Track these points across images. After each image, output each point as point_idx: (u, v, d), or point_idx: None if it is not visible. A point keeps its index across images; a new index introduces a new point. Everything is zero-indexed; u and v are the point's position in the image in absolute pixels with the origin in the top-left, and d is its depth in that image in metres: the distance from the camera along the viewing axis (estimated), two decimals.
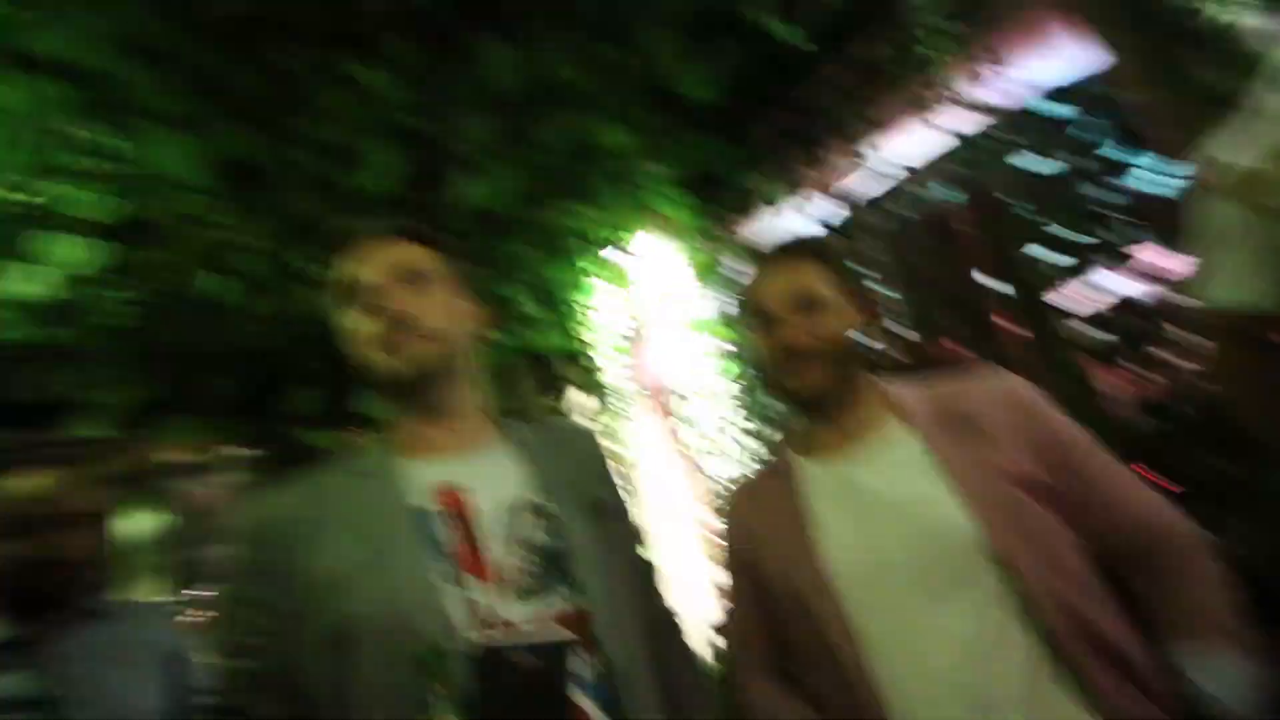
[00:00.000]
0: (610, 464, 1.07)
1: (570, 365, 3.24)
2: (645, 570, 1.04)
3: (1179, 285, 1.98)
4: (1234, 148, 0.98)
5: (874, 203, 2.41)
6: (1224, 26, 1.52)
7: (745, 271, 1.11)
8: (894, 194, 2.42)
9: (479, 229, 2.25)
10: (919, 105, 2.18)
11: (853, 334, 1.01)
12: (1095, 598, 0.89)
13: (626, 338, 3.11)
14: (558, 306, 2.91)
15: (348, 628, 0.76)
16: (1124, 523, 0.93)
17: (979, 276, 2.25)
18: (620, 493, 1.05)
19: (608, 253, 2.86)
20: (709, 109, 2.40)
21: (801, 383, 1.00)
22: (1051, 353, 1.90)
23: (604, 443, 1.09)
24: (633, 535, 1.04)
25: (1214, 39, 1.54)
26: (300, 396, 2.77)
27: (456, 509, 0.85)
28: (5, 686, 1.20)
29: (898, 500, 0.93)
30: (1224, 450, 1.47)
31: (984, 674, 0.84)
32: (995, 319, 2.13)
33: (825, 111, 2.34)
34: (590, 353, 3.09)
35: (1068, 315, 1.99)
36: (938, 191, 2.63)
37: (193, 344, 2.34)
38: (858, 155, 2.38)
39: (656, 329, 3.21)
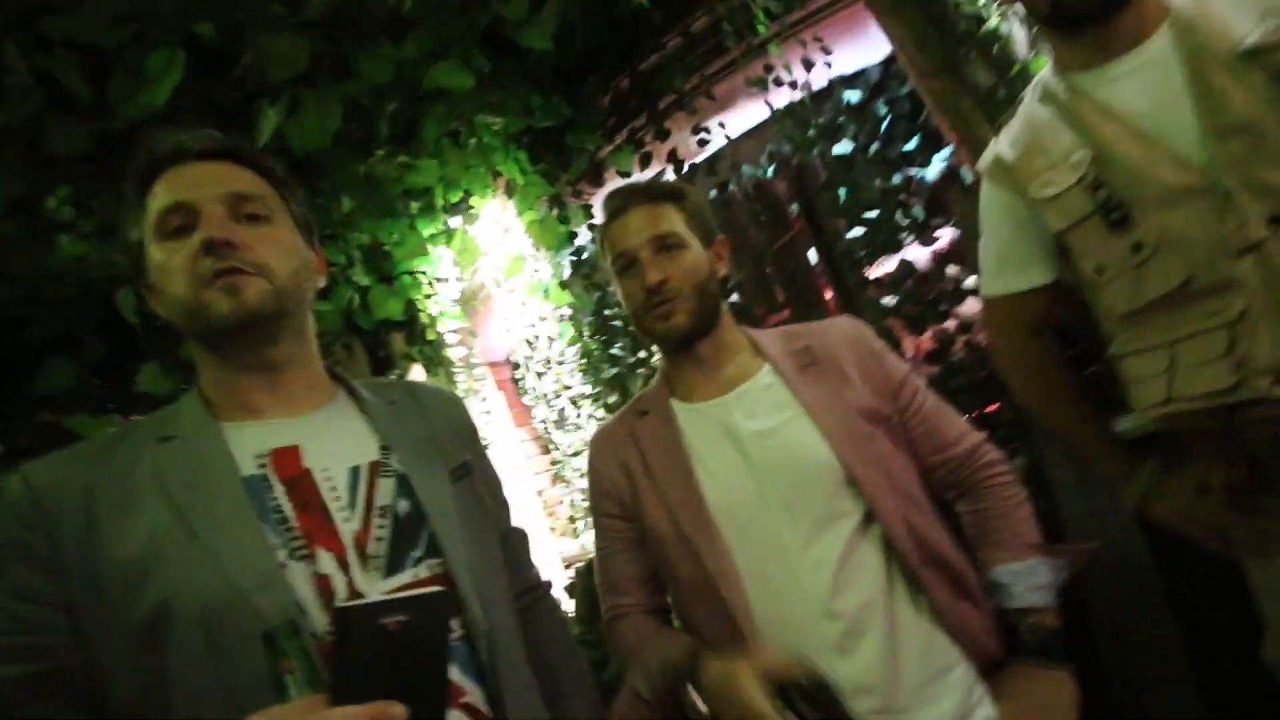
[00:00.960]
0: (474, 427, 0.99)
1: (409, 338, 3.03)
2: (516, 538, 0.99)
3: (960, 258, 2.29)
4: (1006, 141, 1.13)
5: (708, 173, 2.51)
6: (996, 32, 1.76)
7: (599, 222, 1.09)
8: (724, 165, 2.53)
9: (295, 177, 2.00)
10: (751, 83, 2.30)
11: (710, 276, 1.05)
12: (933, 520, 1.00)
13: (466, 307, 2.97)
14: (396, 274, 2.68)
15: (167, 615, 0.64)
16: (948, 451, 1.05)
17: (801, 249, 2.44)
18: (486, 458, 0.98)
19: (452, 220, 2.70)
20: (549, 67, 2.33)
21: (668, 323, 1.01)
22: (859, 316, 2.11)
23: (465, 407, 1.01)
24: (500, 502, 0.97)
25: (989, 42, 1.78)
26: (55, 372, 2.30)
27: (295, 474, 0.74)
28: None
29: (768, 436, 0.98)
30: (996, 393, 1.74)
31: (850, 596, 0.91)
32: (813, 286, 2.33)
33: (667, 82, 2.38)
34: (432, 325, 2.91)
35: (873, 283, 2.24)
36: (762, 165, 2.80)
37: None
38: (703, 130, 2.46)
39: (499, 299, 3.10)
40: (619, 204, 1.07)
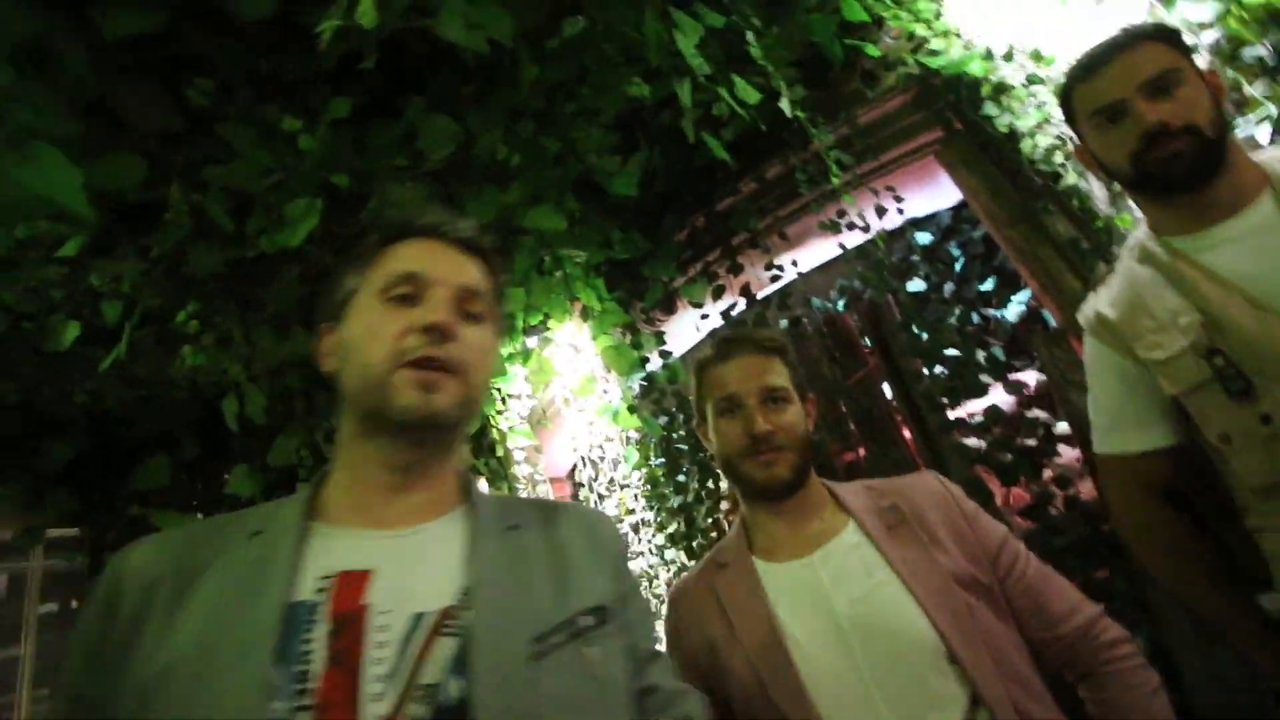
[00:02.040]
0: (623, 555, 0.81)
1: (475, 451, 3.09)
2: (663, 700, 0.71)
3: (1047, 402, 2.19)
4: (1105, 299, 1.12)
5: (780, 306, 2.56)
6: (1076, 187, 1.79)
7: (704, 357, 1.11)
8: (795, 299, 2.59)
9: None
10: (825, 226, 2.39)
11: (807, 432, 1.05)
12: (1050, 708, 0.89)
13: (535, 425, 3.02)
14: None
15: None
16: (1060, 627, 0.95)
17: (876, 384, 2.41)
18: (637, 598, 0.77)
19: (529, 339, 2.83)
20: (630, 206, 2.51)
21: (769, 472, 1.00)
22: (941, 460, 2.02)
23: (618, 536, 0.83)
24: (642, 657, 0.72)
25: (1068, 196, 1.80)
26: (154, 469, 2.44)
27: (349, 610, 0.61)
28: None
29: (859, 602, 0.92)
30: (1106, 557, 1.58)
31: None
32: (890, 424, 2.26)
33: (741, 222, 2.50)
34: (501, 441, 2.97)
35: (957, 425, 2.16)
36: (832, 298, 2.83)
37: (25, 401, 2.03)
38: (775, 268, 2.54)
39: (567, 416, 3.14)
40: (729, 348, 1.08)
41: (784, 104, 1.79)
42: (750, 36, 1.83)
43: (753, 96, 1.79)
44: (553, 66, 1.62)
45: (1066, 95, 1.12)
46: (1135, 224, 1.54)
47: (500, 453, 2.80)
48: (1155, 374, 1.03)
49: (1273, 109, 1.44)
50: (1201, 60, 1.46)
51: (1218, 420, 0.98)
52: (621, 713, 0.66)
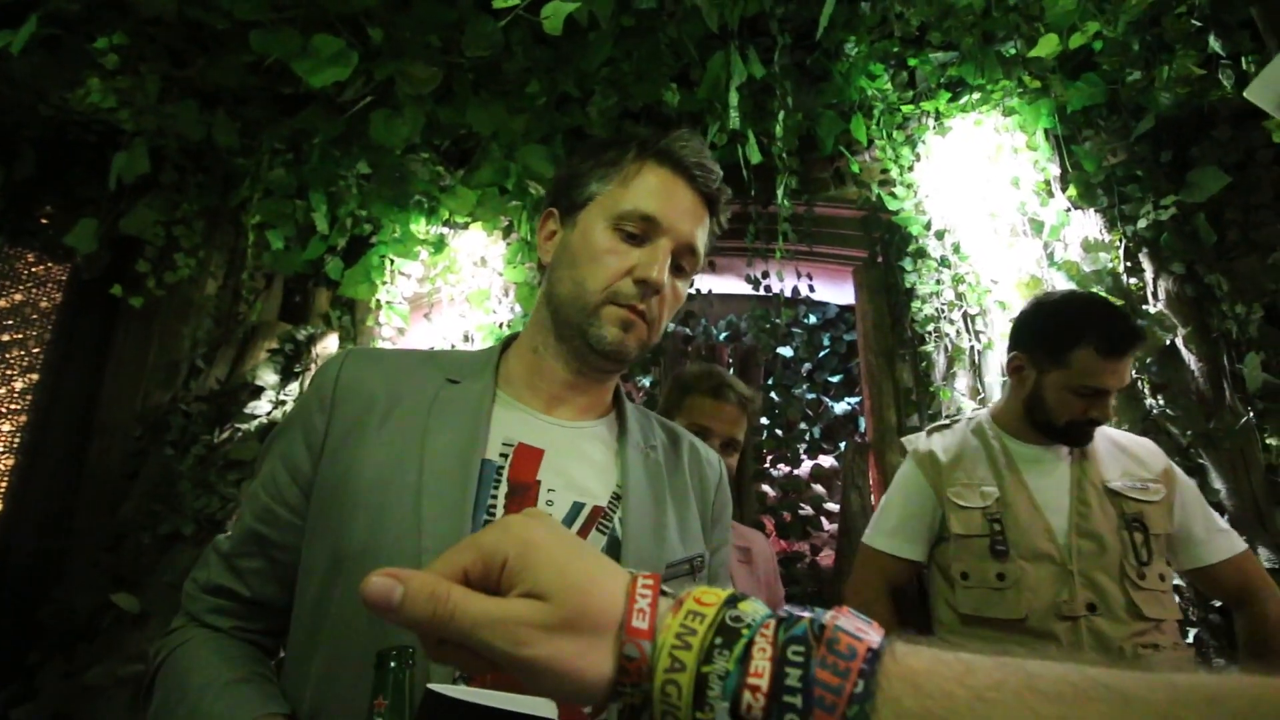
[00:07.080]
0: (727, 506, 0.89)
1: (334, 302, 3.01)
2: None
3: (827, 482, 2.75)
4: (939, 444, 1.52)
5: (682, 322, 2.85)
6: (930, 356, 2.26)
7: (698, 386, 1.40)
8: (696, 314, 2.90)
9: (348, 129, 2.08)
10: (750, 281, 2.70)
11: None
12: None
13: (413, 307, 3.02)
14: (369, 260, 2.72)
15: (341, 562, 0.63)
16: None
17: None
18: (725, 550, 0.87)
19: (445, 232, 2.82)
20: None
21: None
22: (742, 498, 2.47)
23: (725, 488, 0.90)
24: None
25: (920, 360, 2.27)
26: None
27: (524, 482, 0.69)
28: None
29: None
30: None
31: None
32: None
33: None
34: (376, 310, 2.94)
35: (763, 475, 2.63)
36: (718, 327, 3.19)
37: None
38: (692, 286, 2.80)
39: (444, 309, 3.17)
40: (721, 389, 1.38)
41: (780, 191, 2.03)
42: (776, 107, 2.04)
43: (756, 157, 2.00)
44: (620, 44, 1.68)
45: (1080, 340, 1.36)
46: (954, 400, 2.02)
47: (370, 322, 2.77)
48: (949, 512, 1.43)
49: None
50: None
51: (967, 562, 1.39)
52: None
